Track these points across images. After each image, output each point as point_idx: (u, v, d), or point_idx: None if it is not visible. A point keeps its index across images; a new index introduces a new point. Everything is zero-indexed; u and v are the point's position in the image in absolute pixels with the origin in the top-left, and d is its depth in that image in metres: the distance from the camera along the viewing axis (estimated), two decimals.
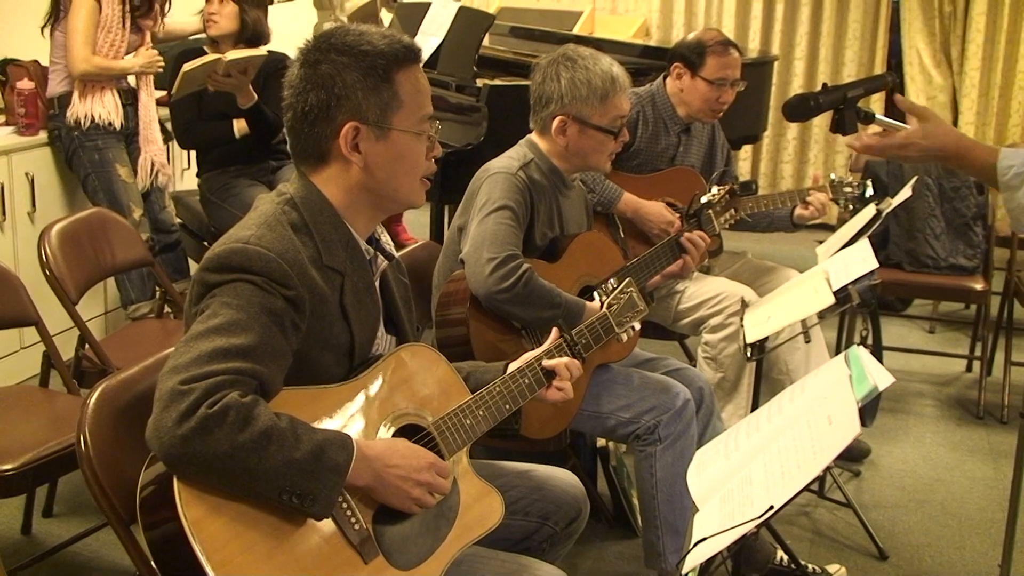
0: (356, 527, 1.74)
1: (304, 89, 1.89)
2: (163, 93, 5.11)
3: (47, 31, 4.26)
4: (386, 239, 2.07)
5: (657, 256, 3.14)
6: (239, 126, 4.37)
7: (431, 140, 1.97)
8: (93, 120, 4.23)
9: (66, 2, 4.18)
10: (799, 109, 2.68)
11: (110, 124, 4.28)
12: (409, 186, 1.95)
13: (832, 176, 3.72)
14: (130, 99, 4.43)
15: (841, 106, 2.70)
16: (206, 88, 4.18)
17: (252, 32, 4.38)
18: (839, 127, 2.76)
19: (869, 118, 2.73)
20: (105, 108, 4.26)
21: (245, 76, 4.15)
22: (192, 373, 1.62)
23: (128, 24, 4.26)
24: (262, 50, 4.23)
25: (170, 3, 4.53)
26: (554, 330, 2.27)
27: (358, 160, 1.89)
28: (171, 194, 4.70)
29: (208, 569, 1.56)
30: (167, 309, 3.92)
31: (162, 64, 4.31)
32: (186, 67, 4.03)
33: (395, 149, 1.91)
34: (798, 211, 3.72)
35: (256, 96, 4.23)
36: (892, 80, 2.92)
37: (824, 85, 2.74)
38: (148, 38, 4.44)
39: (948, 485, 3.82)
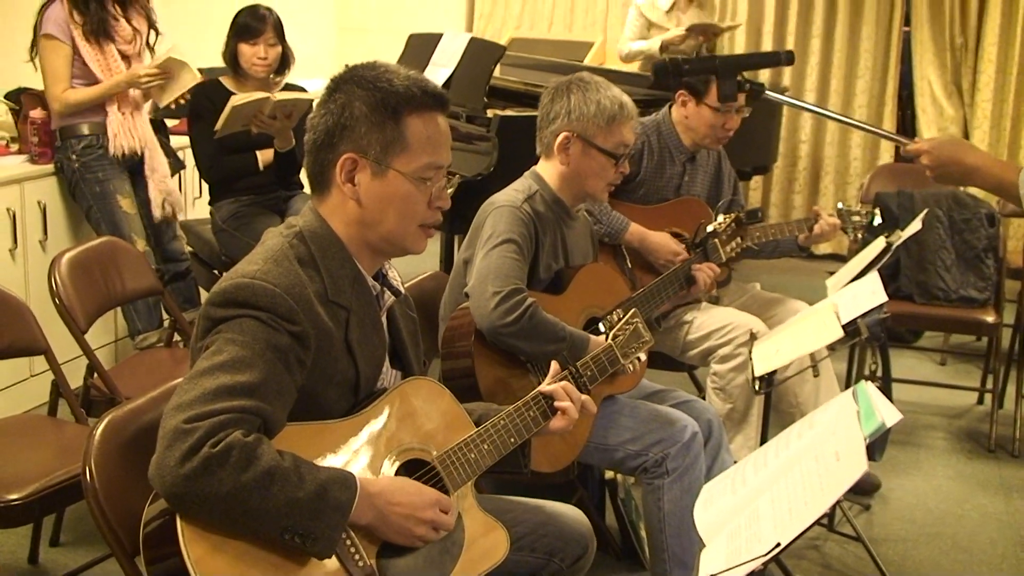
0: (360, 564, 1.74)
1: (319, 114, 1.92)
2: (176, 123, 5.16)
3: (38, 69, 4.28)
4: (394, 274, 2.06)
5: (664, 286, 3.14)
6: (263, 157, 4.40)
7: (438, 190, 1.95)
8: (124, 152, 4.24)
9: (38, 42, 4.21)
10: (668, 69, 2.67)
11: (131, 153, 4.28)
12: (403, 231, 1.93)
13: (840, 205, 3.72)
14: None
15: (714, 74, 2.69)
16: (250, 129, 4.20)
17: (285, 63, 4.46)
18: (719, 95, 2.75)
19: (756, 90, 2.73)
20: (135, 137, 4.27)
21: (289, 120, 4.18)
22: (196, 411, 1.62)
23: (109, 51, 4.23)
24: (309, 94, 4.25)
25: (154, 32, 4.47)
26: (553, 364, 2.25)
27: (351, 192, 1.90)
28: (182, 223, 4.71)
29: None
30: (176, 338, 3.92)
31: (150, 77, 4.20)
32: (235, 101, 4.05)
33: (389, 190, 1.90)
34: (802, 235, 3.72)
35: (294, 141, 4.27)
36: (787, 59, 2.84)
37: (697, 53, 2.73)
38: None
39: (959, 519, 3.79)
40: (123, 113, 4.26)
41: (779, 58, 2.72)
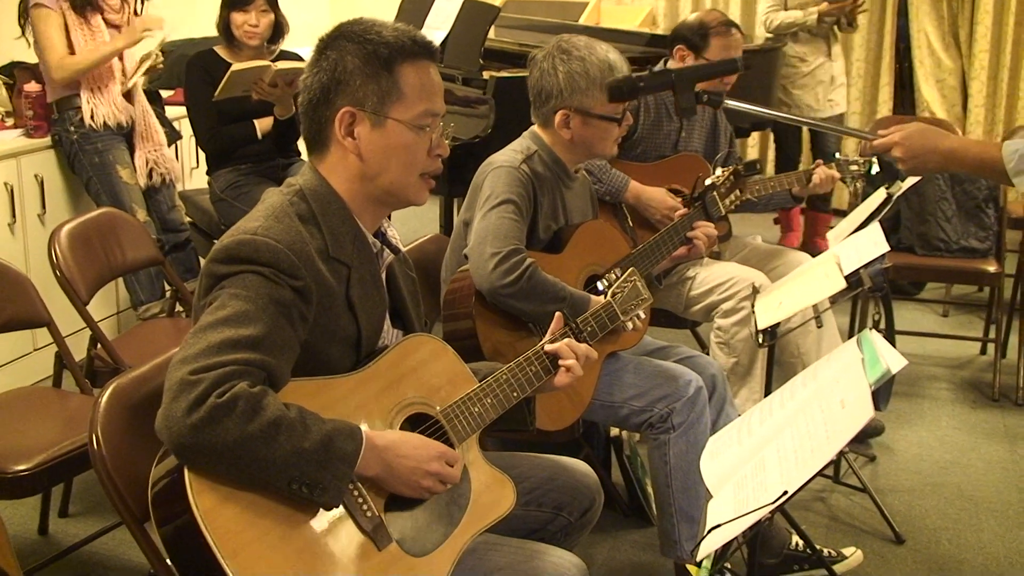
0: (368, 514, 1.75)
1: (312, 73, 1.93)
2: (171, 93, 5.14)
3: (31, 44, 4.26)
4: (392, 233, 2.07)
5: (663, 242, 3.12)
6: (261, 126, 4.39)
7: (437, 138, 1.96)
8: (104, 121, 4.23)
9: (28, 14, 4.19)
10: (623, 89, 2.64)
11: (118, 125, 4.28)
12: (405, 180, 1.94)
13: (837, 155, 3.71)
14: (127, 98, 4.42)
15: (672, 89, 2.67)
16: (250, 96, 4.20)
17: (279, 31, 4.44)
18: (679, 110, 2.76)
19: (715, 102, 2.72)
20: (112, 108, 4.26)
21: (290, 88, 4.17)
22: (201, 364, 1.63)
23: (96, 23, 4.22)
24: (306, 62, 4.24)
25: (140, 1, 4.47)
26: (556, 317, 2.25)
27: (351, 147, 1.91)
28: (180, 193, 4.70)
29: (220, 558, 1.57)
30: (178, 308, 3.93)
31: (149, 30, 4.24)
32: (236, 67, 4.05)
33: (389, 139, 1.91)
34: (797, 186, 3.71)
35: (295, 108, 4.26)
36: (741, 66, 2.80)
37: (649, 69, 2.67)
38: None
39: (964, 468, 3.81)
40: (92, 89, 4.25)
41: (735, 64, 2.68)
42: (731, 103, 2.83)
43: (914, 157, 2.50)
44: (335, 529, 1.72)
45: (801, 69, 5.66)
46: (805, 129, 5.81)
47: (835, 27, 5.81)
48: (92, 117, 4.22)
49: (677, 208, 3.42)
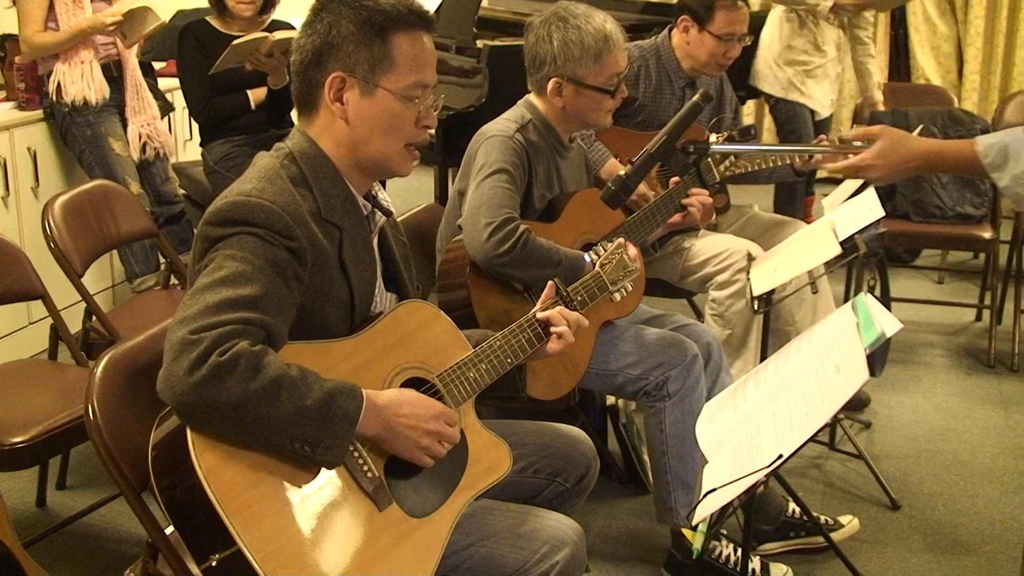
0: (369, 475, 1.76)
1: (306, 35, 1.93)
2: (163, 65, 5.11)
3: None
4: (383, 196, 2.07)
5: (658, 210, 3.10)
6: (255, 96, 4.37)
7: (425, 109, 1.96)
8: (82, 98, 4.22)
9: None
10: (618, 196, 2.64)
11: (97, 102, 4.26)
12: (389, 150, 1.94)
13: (842, 132, 3.68)
14: (119, 71, 4.40)
15: (659, 163, 2.70)
16: (244, 67, 4.18)
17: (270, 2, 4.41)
18: (675, 171, 2.79)
19: (701, 151, 2.75)
20: (86, 84, 4.24)
21: (285, 57, 4.16)
22: (201, 323, 1.63)
23: (83, 2, 4.20)
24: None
25: None
26: (548, 286, 2.25)
27: (339, 112, 1.91)
28: (174, 165, 4.68)
29: (224, 516, 1.58)
30: (173, 280, 3.92)
31: (113, 24, 4.17)
32: (236, 42, 4.04)
33: (377, 108, 1.91)
34: (799, 161, 3.68)
35: (288, 78, 4.24)
36: (705, 102, 2.76)
37: (629, 162, 2.68)
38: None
39: (959, 434, 3.82)
40: (69, 64, 4.22)
41: (700, 108, 2.70)
42: (718, 147, 2.85)
43: (891, 168, 2.50)
44: (337, 490, 1.73)
45: (816, 60, 5.37)
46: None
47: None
48: (63, 92, 4.19)
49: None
